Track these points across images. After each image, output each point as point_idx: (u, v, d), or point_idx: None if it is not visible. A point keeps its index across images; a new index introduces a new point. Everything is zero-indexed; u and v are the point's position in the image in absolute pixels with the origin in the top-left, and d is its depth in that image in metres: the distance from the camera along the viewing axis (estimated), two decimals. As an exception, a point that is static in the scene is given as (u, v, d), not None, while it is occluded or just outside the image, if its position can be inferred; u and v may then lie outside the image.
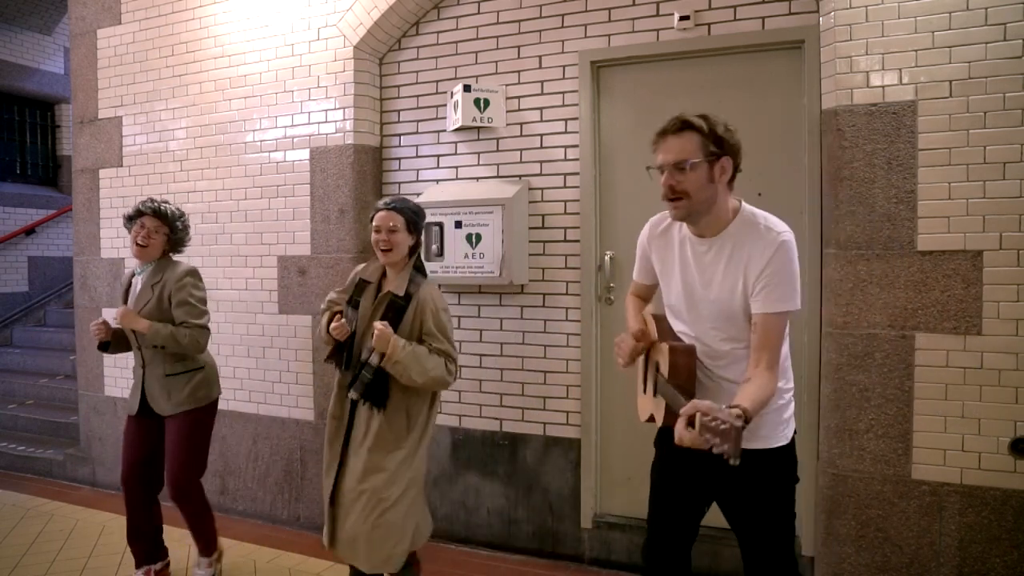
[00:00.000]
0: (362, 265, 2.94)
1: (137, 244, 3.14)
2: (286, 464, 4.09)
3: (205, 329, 3.15)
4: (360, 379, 2.68)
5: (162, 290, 3.13)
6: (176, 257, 3.31)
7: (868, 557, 2.88)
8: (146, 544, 3.30)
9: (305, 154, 3.97)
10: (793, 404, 2.17)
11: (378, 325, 2.59)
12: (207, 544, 3.33)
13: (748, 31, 3.19)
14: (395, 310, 2.69)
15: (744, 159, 3.27)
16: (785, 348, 2.11)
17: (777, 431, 2.09)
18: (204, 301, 3.20)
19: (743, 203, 2.15)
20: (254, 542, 3.81)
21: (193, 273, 3.20)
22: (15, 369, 6.66)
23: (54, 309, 7.54)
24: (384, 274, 2.83)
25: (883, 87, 2.81)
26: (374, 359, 2.62)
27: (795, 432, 2.17)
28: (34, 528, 4.01)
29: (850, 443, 2.90)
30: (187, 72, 4.32)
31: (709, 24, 3.25)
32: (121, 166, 4.61)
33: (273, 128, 4.06)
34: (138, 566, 3.31)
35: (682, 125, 2.06)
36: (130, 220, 3.20)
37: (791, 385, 2.19)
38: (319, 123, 3.93)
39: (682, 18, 3.26)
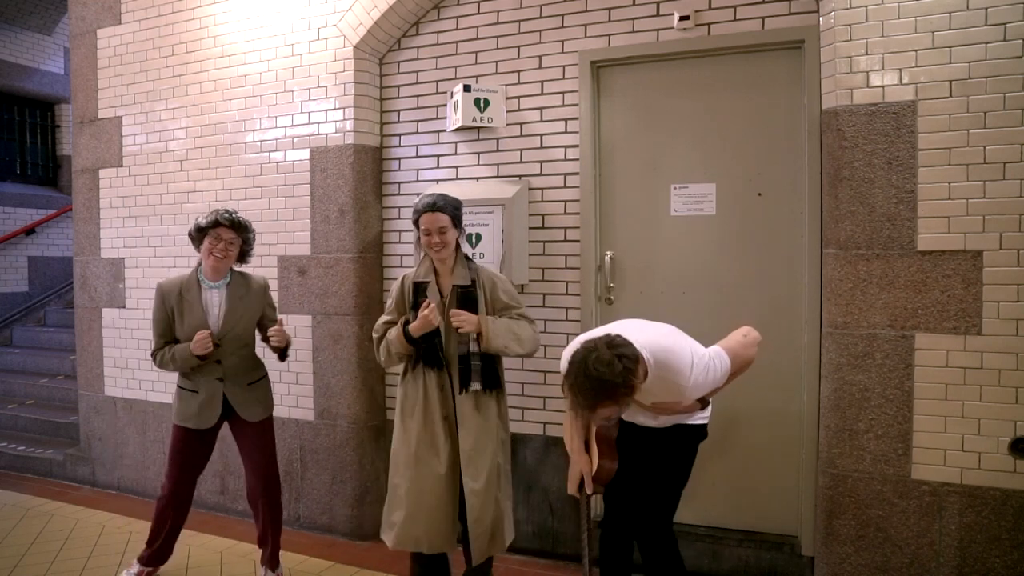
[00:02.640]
0: (406, 272, 2.98)
1: (214, 256, 3.10)
2: (286, 464, 4.09)
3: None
4: (472, 369, 2.79)
5: (251, 304, 3.21)
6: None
7: (868, 557, 2.88)
8: (168, 548, 3.36)
9: (305, 154, 3.97)
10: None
11: (454, 313, 2.72)
12: (274, 553, 3.36)
13: (748, 31, 3.19)
14: (469, 300, 2.81)
15: (744, 159, 3.29)
16: (708, 354, 2.43)
17: (702, 415, 2.57)
18: None
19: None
20: (254, 542, 3.80)
21: (269, 285, 3.36)
22: (15, 369, 6.66)
23: (54, 309, 7.54)
24: (435, 271, 2.90)
25: (883, 87, 2.81)
26: (474, 347, 2.75)
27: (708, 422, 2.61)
28: (34, 528, 4.01)
29: (850, 443, 2.90)
30: (187, 72, 4.32)
31: (709, 24, 3.25)
32: (121, 166, 4.61)
33: (273, 128, 4.06)
34: (146, 564, 3.34)
35: None
36: (201, 231, 3.11)
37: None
38: (319, 123, 3.93)
39: (682, 18, 3.26)
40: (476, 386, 2.79)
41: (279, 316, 3.32)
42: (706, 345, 2.48)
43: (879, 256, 2.84)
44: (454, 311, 2.74)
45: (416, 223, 2.84)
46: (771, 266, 3.25)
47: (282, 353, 3.27)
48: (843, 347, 2.90)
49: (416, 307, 2.80)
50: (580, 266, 3.51)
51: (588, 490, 2.58)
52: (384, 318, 2.96)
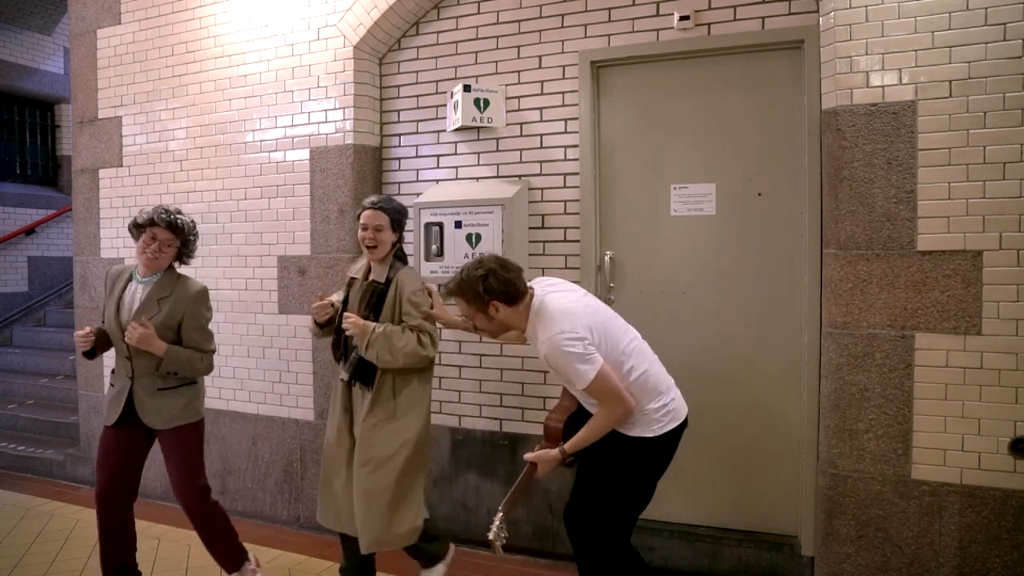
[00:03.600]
0: (355, 265, 3.09)
1: (146, 255, 2.94)
2: (286, 464, 4.09)
3: (215, 353, 3.12)
4: (350, 362, 2.92)
5: (172, 307, 2.96)
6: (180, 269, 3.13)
7: (868, 557, 2.88)
8: (123, 558, 3.06)
9: (305, 154, 3.97)
10: (663, 411, 2.51)
11: (346, 315, 2.82)
12: (229, 558, 3.14)
13: (748, 31, 3.19)
14: (377, 295, 2.90)
15: (744, 159, 3.29)
16: (643, 368, 2.50)
17: (640, 428, 2.50)
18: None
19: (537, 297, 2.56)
20: (254, 542, 3.80)
21: (206, 294, 3.06)
22: (15, 369, 6.66)
23: (54, 309, 7.54)
24: (370, 268, 3.01)
25: (883, 87, 2.81)
26: (359, 345, 2.84)
27: (657, 436, 2.50)
28: (34, 528, 4.01)
29: (850, 443, 2.90)
30: (187, 72, 4.32)
31: (709, 24, 3.25)
32: (121, 166, 4.61)
33: (273, 128, 4.06)
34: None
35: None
36: (138, 228, 2.98)
37: (658, 403, 2.51)
38: (319, 123, 3.93)
39: (682, 18, 3.26)
40: (344, 375, 2.95)
41: (143, 320, 2.90)
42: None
43: (879, 256, 2.84)
44: (346, 313, 2.85)
45: (358, 217, 2.94)
46: (771, 266, 3.25)
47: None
48: (843, 347, 2.90)
49: (345, 300, 2.98)
50: (580, 266, 3.51)
51: (529, 456, 2.59)
52: (331, 297, 3.09)
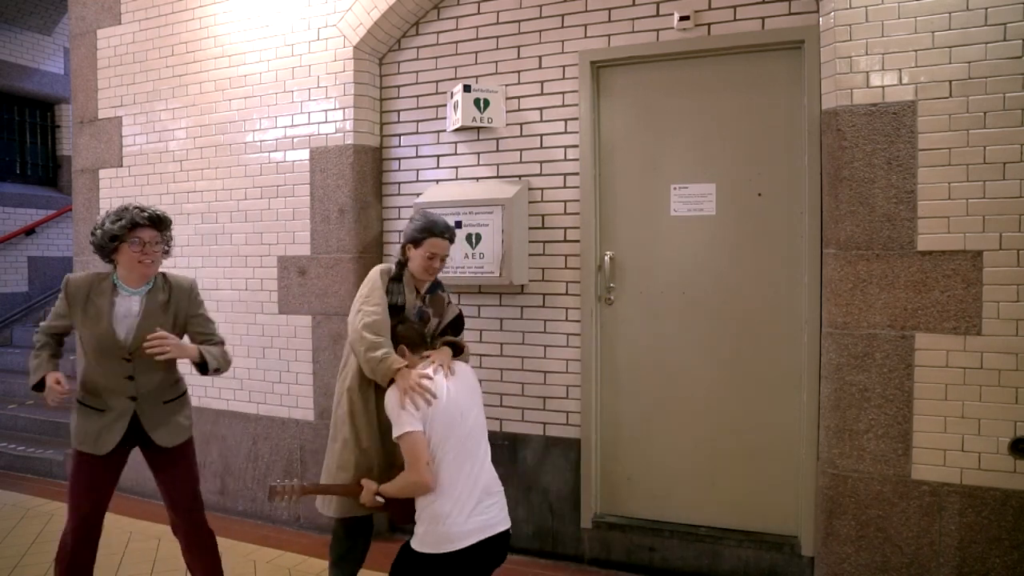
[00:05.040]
0: (382, 268, 2.91)
1: (143, 264, 2.61)
2: (286, 464, 4.09)
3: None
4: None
5: (175, 308, 2.73)
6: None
7: (868, 557, 2.88)
8: None
9: (305, 154, 3.97)
10: (436, 525, 2.33)
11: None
12: None
13: (748, 31, 3.19)
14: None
15: (744, 159, 3.29)
16: (447, 464, 2.38)
17: (419, 532, 2.38)
18: None
19: None
20: (254, 542, 3.81)
21: (196, 284, 2.86)
22: (15, 369, 6.66)
23: (54, 309, 7.54)
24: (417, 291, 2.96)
25: (883, 87, 2.81)
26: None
27: (420, 552, 2.34)
28: (34, 528, 4.01)
29: (850, 443, 2.90)
30: (187, 72, 4.32)
31: (709, 24, 3.25)
32: (121, 166, 4.61)
33: (273, 128, 4.06)
34: None
35: None
36: (114, 239, 2.58)
37: (442, 510, 2.35)
38: (319, 123, 3.93)
39: (682, 18, 3.26)
40: None
41: (159, 331, 2.64)
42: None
43: (879, 256, 2.84)
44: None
45: (420, 242, 2.81)
46: (771, 266, 3.25)
47: (201, 367, 2.74)
48: (843, 347, 2.90)
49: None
50: (580, 266, 3.51)
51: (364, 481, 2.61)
52: (374, 313, 2.77)
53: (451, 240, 2.88)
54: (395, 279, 2.86)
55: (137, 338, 2.61)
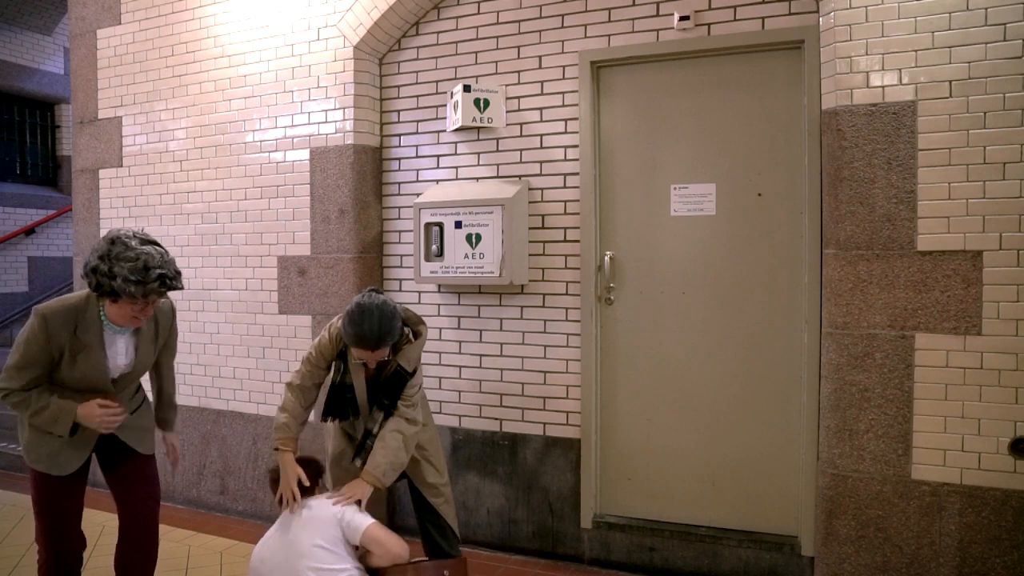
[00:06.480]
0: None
1: (137, 320, 2.39)
2: (286, 464, 4.09)
3: None
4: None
5: (160, 336, 2.61)
6: None
7: (868, 557, 2.88)
8: None
9: (305, 154, 3.97)
10: None
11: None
12: None
13: (748, 31, 3.19)
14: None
15: (744, 159, 3.30)
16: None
17: None
18: None
19: None
20: (254, 542, 3.78)
21: (175, 308, 2.73)
22: (15, 369, 6.64)
23: (54, 309, 7.53)
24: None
25: (883, 87, 2.81)
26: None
27: None
28: (34, 528, 4.00)
29: (850, 443, 2.90)
30: (187, 72, 4.32)
31: (709, 24, 3.25)
32: (121, 166, 4.61)
33: (273, 128, 4.06)
34: None
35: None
36: (135, 298, 2.28)
37: None
38: (319, 123, 3.93)
39: (682, 18, 3.26)
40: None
41: (173, 442, 2.81)
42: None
43: (879, 256, 2.84)
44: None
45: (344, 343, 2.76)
46: (771, 266, 3.25)
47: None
48: (843, 347, 2.90)
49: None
50: (580, 266, 3.51)
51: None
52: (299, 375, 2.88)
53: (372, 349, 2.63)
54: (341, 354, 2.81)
55: (129, 374, 2.51)
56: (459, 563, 2.74)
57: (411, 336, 2.80)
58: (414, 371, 2.78)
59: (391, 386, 2.75)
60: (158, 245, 2.38)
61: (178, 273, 2.39)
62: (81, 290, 2.45)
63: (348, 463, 2.86)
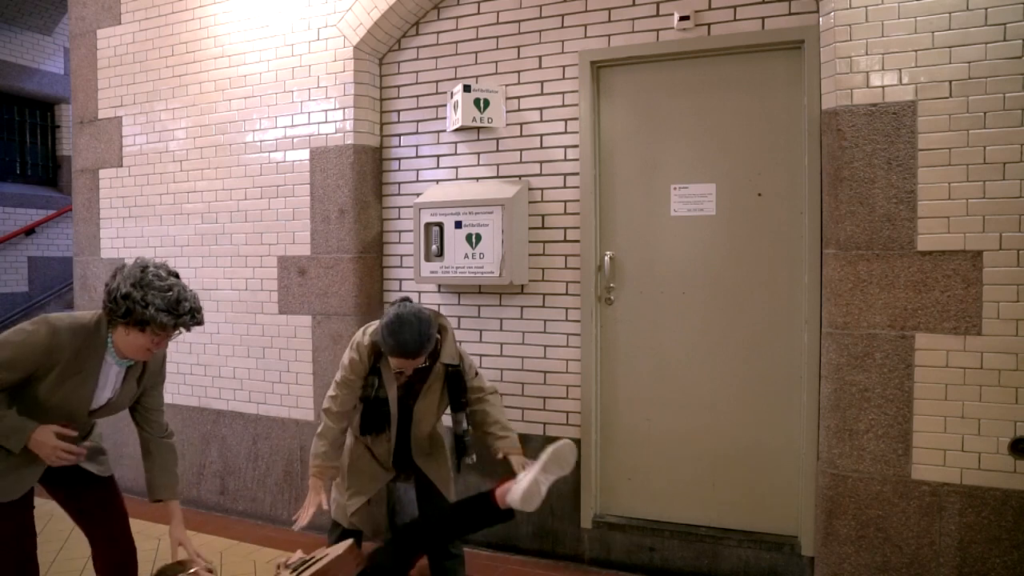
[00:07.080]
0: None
1: (148, 352, 2.29)
2: (286, 464, 4.09)
3: None
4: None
5: (146, 379, 2.47)
6: None
7: (868, 557, 2.88)
8: None
9: (305, 154, 3.97)
10: None
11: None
12: None
13: (748, 31, 3.19)
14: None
15: (744, 159, 3.30)
16: None
17: None
18: None
19: None
20: (254, 542, 3.81)
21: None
22: (15, 369, 6.64)
23: (54, 309, 7.54)
24: None
25: (883, 87, 2.81)
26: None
27: None
28: (34, 528, 4.00)
29: (850, 443, 2.90)
30: (187, 72, 4.32)
31: (709, 24, 3.25)
32: (121, 166, 4.61)
33: (273, 128, 4.06)
34: None
35: None
36: (165, 328, 2.21)
37: None
38: (319, 123, 3.93)
39: (682, 18, 3.26)
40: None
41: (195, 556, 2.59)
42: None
43: (879, 256, 2.84)
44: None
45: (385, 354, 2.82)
46: (771, 266, 3.25)
47: None
48: (843, 347, 2.90)
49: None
50: (580, 266, 3.51)
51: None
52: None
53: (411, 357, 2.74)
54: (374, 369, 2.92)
55: (109, 406, 2.39)
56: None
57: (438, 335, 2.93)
58: (460, 360, 2.96)
59: (453, 386, 2.95)
60: (179, 278, 2.32)
61: (203, 311, 2.33)
62: (87, 310, 2.36)
63: (366, 466, 3.03)
